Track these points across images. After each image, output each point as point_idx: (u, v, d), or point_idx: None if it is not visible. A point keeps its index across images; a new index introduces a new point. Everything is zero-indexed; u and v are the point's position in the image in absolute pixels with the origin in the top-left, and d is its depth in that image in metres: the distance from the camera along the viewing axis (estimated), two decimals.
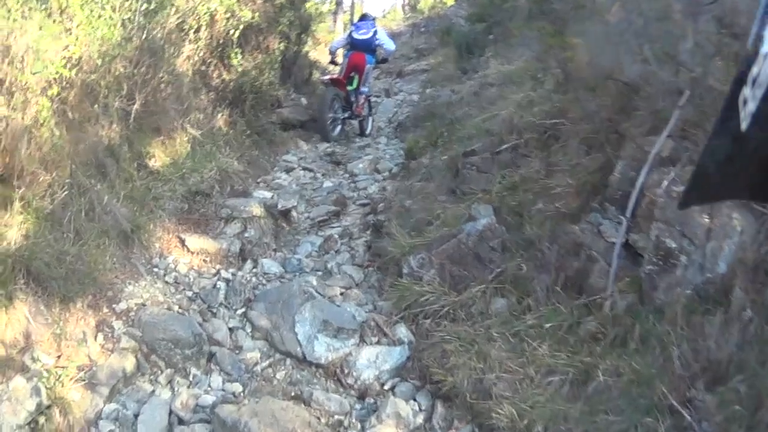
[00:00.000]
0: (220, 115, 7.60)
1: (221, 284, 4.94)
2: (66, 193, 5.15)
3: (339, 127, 9.00)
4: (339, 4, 13.77)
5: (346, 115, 9.11)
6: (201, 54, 7.44)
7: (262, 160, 7.53)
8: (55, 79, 5.42)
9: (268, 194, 6.48)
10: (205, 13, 6.84)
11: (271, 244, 5.63)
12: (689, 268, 3.20)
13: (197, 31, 7.15)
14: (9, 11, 4.08)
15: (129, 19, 5.75)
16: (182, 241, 5.38)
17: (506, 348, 3.59)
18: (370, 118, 9.80)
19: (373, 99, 10.03)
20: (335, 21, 13.83)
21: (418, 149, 6.97)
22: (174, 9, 6.25)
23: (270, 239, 5.65)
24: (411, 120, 9.30)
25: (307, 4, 9.42)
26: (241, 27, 7.56)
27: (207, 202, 5.97)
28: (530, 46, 7.25)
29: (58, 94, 5.50)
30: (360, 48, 8.99)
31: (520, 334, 3.63)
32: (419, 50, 14.79)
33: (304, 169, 7.64)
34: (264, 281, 5.08)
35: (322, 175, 7.58)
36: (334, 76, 8.69)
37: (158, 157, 6.44)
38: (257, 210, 5.68)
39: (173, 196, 5.82)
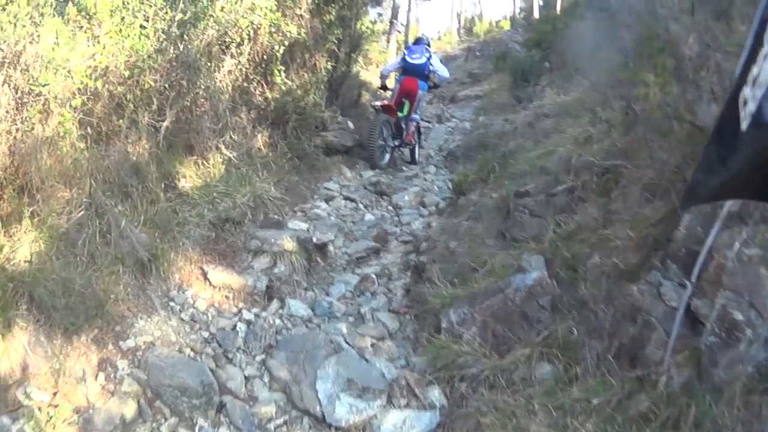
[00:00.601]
0: (259, 135, 7.27)
1: (241, 326, 4.50)
2: (82, 212, 4.84)
3: (388, 155, 8.71)
4: (392, 23, 13.33)
5: (396, 143, 8.90)
6: (243, 70, 7.11)
7: (302, 186, 7.11)
8: (79, 89, 5.13)
9: (303, 225, 6.04)
10: (247, 27, 6.46)
11: (301, 282, 5.17)
12: (754, 343, 2.94)
13: (239, 45, 6.79)
14: (16, 17, 3.68)
15: (162, 30, 5.39)
16: (204, 274, 4.99)
17: (547, 422, 3.18)
18: (417, 147, 9.48)
19: (423, 125, 9.90)
20: (388, 41, 13.36)
21: (467, 184, 6.49)
22: (212, 21, 5.85)
23: (301, 276, 5.19)
24: (462, 150, 9.10)
25: (359, 22, 8.99)
26: (287, 43, 7.19)
27: (237, 231, 5.57)
28: (589, 77, 6.88)
29: (83, 105, 5.21)
30: (413, 73, 8.73)
31: (565, 408, 3.24)
32: (473, 75, 14.54)
33: (346, 198, 7.22)
34: (289, 325, 4.63)
35: (365, 206, 7.13)
36: (385, 103, 8.46)
37: (189, 178, 6.11)
38: (289, 244, 5.24)
39: (200, 223, 5.44)
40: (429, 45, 9.36)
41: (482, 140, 8.34)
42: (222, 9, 6.06)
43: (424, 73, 8.73)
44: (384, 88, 9.64)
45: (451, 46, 20.53)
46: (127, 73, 5.18)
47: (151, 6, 5.49)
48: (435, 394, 3.77)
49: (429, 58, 8.76)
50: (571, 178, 4.98)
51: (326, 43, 7.92)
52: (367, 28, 9.26)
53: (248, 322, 4.56)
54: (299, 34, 7.28)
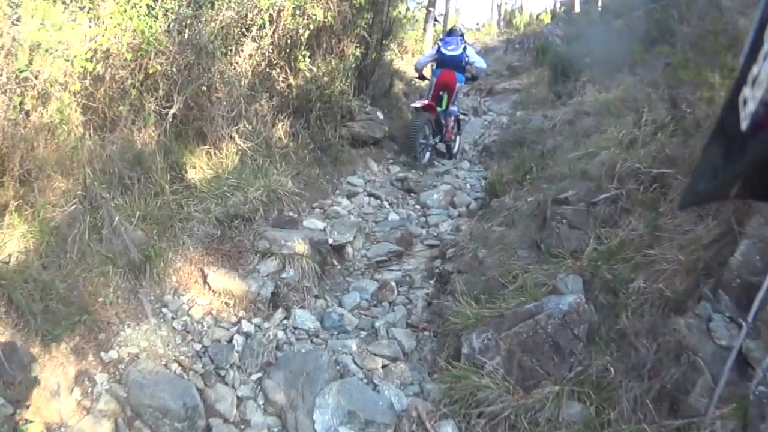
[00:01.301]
0: (280, 124, 6.85)
1: (239, 339, 4.11)
2: (75, 206, 4.48)
3: (428, 153, 8.39)
4: (429, 12, 12.66)
5: (437, 140, 8.62)
6: (266, 54, 6.69)
7: (323, 180, 6.68)
8: (80, 73, 4.79)
9: (320, 224, 5.62)
10: (267, 8, 6.02)
11: (312, 288, 4.74)
12: None
13: (261, 28, 6.36)
14: None
15: (171, 9, 4.98)
16: (204, 277, 4.54)
17: None
18: (458, 137, 9.26)
19: (460, 117, 9.42)
20: (425, 30, 12.76)
21: (501, 185, 6.01)
22: (229, 1, 5.43)
23: (312, 282, 4.77)
24: (498, 145, 8.66)
25: (392, 8, 8.47)
26: (312, 27, 6.73)
27: (246, 229, 5.17)
28: (636, 74, 6.89)
29: (84, 90, 4.87)
30: (449, 65, 8.44)
31: None
32: (512, 68, 14.16)
33: (370, 195, 6.75)
34: (293, 339, 4.22)
35: (390, 204, 6.66)
36: (425, 103, 8.08)
37: (199, 169, 5.74)
38: (300, 246, 4.81)
39: (205, 219, 5.05)
40: (463, 36, 8.97)
41: (519, 137, 7.88)
42: None
43: (460, 65, 8.45)
44: (422, 77, 9.29)
45: (490, 37, 20.09)
46: (129, 56, 4.79)
47: None
48: (448, 430, 3.30)
49: (465, 50, 8.48)
50: (615, 186, 4.46)
51: (355, 28, 7.43)
52: (400, 14, 8.73)
53: (247, 335, 4.14)
54: (326, 17, 6.82)
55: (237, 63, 6.46)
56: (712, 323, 2.97)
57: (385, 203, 6.63)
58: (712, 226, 3.38)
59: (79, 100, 4.83)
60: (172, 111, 5.22)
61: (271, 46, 7.00)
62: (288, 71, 7.19)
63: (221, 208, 5.25)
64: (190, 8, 5.18)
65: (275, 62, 7.09)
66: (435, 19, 14.13)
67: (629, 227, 4.05)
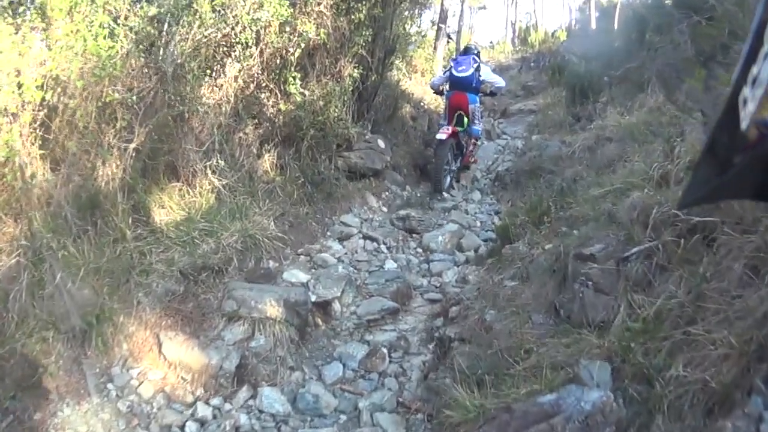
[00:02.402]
0: (267, 155, 6.31)
1: (192, 426, 3.55)
2: (16, 259, 4.04)
3: (448, 178, 8.21)
4: (440, 29, 12.18)
5: (457, 165, 8.48)
6: (254, 76, 6.20)
7: (312, 220, 6.13)
8: (29, 102, 4.34)
9: (303, 276, 5.06)
10: (250, 24, 5.53)
11: (286, 358, 4.18)
12: None
13: (246, 47, 5.88)
14: None
15: (135, 28, 4.50)
16: (160, 345, 3.99)
17: None
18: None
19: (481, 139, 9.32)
20: (435, 48, 12.36)
21: (514, 228, 5.38)
22: (196, 17, 4.93)
23: (287, 351, 4.21)
24: (512, 174, 8.29)
25: (397, 24, 7.96)
26: (303, 45, 6.23)
27: (214, 283, 4.65)
28: (657, 94, 6.89)
29: (32, 123, 4.41)
30: (460, 87, 8.26)
31: None
32: (527, 87, 14.02)
33: (366, 237, 6.19)
34: (257, 426, 3.61)
35: (388, 248, 6.09)
36: (448, 132, 7.78)
37: (168, 210, 5.26)
38: (273, 310, 4.26)
39: (167, 272, 4.54)
40: (478, 54, 8.89)
41: (535, 165, 7.54)
42: (212, 2, 5.12)
43: (471, 86, 8.26)
44: (439, 93, 9.10)
45: (504, 56, 19.96)
46: (80, 84, 4.30)
47: (122, 1, 4.62)
48: None
49: (477, 69, 8.31)
50: (649, 237, 3.86)
51: (353, 46, 6.91)
52: (404, 30, 8.22)
53: (202, 422, 3.58)
54: (318, 35, 6.32)
55: (219, 86, 5.99)
56: (763, 425, 2.40)
57: (383, 247, 6.04)
58: (766, 293, 2.79)
59: (38, 131, 4.39)
60: (132, 145, 4.70)
61: (260, 67, 6.53)
62: (278, 95, 6.70)
63: (188, 258, 4.74)
64: (153, 27, 4.68)
65: (264, 84, 6.61)
66: (448, 37, 13.89)
67: (667, 291, 3.46)
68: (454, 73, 8.27)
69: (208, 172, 5.34)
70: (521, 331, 3.90)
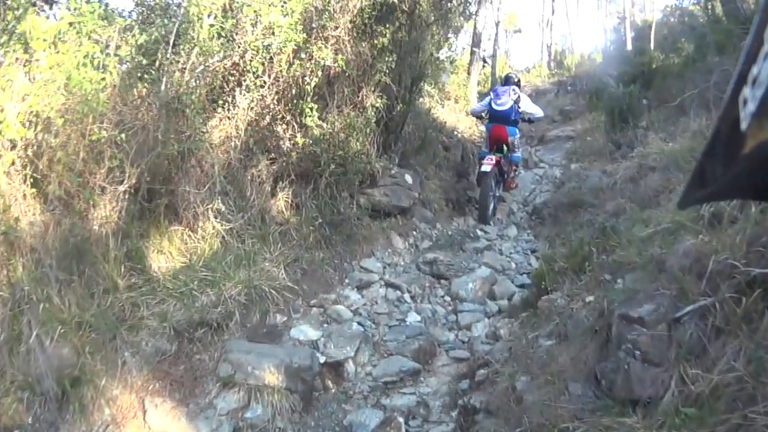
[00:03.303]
0: (281, 193, 5.96)
1: None
2: None
3: (492, 205, 8.32)
4: (474, 53, 12.02)
5: (500, 191, 8.72)
6: (266, 106, 5.93)
7: (329, 266, 5.73)
8: (12, 140, 4.13)
9: (313, 333, 4.68)
10: (260, 51, 5.25)
11: (287, 430, 3.72)
12: None
13: (258, 75, 5.61)
14: None
15: (120, 59, 4.24)
16: (145, 412, 3.65)
17: None
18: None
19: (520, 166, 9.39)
20: (469, 73, 12.13)
21: (552, 276, 4.93)
22: (197, 45, 4.65)
23: (287, 422, 3.78)
24: (550, 208, 7.97)
25: (428, 47, 7.61)
26: (319, 74, 5.92)
27: (212, 341, 4.32)
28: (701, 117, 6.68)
29: (12, 163, 4.19)
30: (500, 120, 8.43)
31: None
32: (564, 112, 13.93)
33: (388, 285, 5.76)
34: None
35: (412, 297, 5.66)
36: (492, 161, 8.00)
37: (169, 256, 4.93)
38: (272, 377, 3.87)
39: (159, 328, 4.19)
40: (518, 84, 9.13)
41: (575, 198, 7.25)
42: (211, 28, 4.83)
43: (511, 119, 8.43)
44: (480, 118, 9.36)
45: (541, 79, 19.86)
46: (61, 121, 4.03)
47: (111, 29, 4.37)
48: None
49: (516, 101, 8.49)
50: (704, 293, 3.38)
51: (375, 73, 6.59)
52: (433, 54, 7.86)
53: None
54: (336, 62, 6.01)
55: (230, 118, 5.72)
56: None
57: (406, 296, 5.60)
58: None
59: (27, 170, 4.17)
60: (122, 187, 4.41)
61: (275, 97, 6.25)
62: (295, 127, 6.39)
63: (184, 311, 4.42)
64: (145, 56, 4.41)
65: (281, 116, 6.32)
66: (484, 61, 13.96)
67: (725, 360, 2.99)
68: (494, 106, 8.40)
69: (210, 216, 5.01)
70: (556, 405, 3.46)
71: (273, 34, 5.55)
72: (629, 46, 16.96)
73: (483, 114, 8.91)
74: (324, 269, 5.62)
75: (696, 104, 7.35)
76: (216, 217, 5.07)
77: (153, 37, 4.52)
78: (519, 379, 3.84)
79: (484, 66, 13.78)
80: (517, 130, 8.56)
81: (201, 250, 5.06)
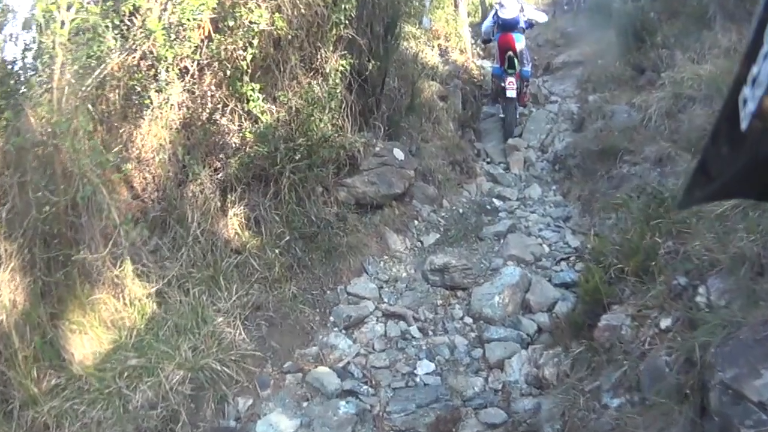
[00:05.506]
0: (233, 208, 4.97)
1: None
2: None
3: (516, 122, 8.97)
4: None
5: (519, 109, 9.14)
6: (201, 97, 4.92)
7: (304, 305, 4.71)
8: None
9: (288, 425, 3.69)
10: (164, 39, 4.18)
11: None
12: None
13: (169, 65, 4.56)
14: None
15: None
16: None
17: None
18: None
19: (519, 110, 9.32)
20: (457, 5, 11.50)
21: (603, 284, 3.95)
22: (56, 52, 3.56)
23: None
24: (576, 156, 7.35)
25: None
26: (256, 43, 4.86)
27: None
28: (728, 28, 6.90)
29: None
30: (507, 28, 8.96)
31: None
32: (566, 35, 13.43)
33: (387, 315, 4.73)
34: None
35: (421, 329, 4.64)
36: (514, 86, 8.50)
37: (94, 335, 4.07)
38: None
39: None
40: None
41: (605, 143, 6.72)
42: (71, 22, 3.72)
43: (518, 26, 8.99)
44: (487, 41, 9.88)
45: (534, 0, 18.80)
46: None
47: None
48: None
49: (521, 10, 9.07)
50: None
51: (332, 27, 5.43)
52: None
53: None
54: (272, 23, 4.91)
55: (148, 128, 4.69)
56: None
57: (413, 328, 4.55)
58: None
59: None
60: (2, 273, 3.42)
61: (213, 81, 5.21)
62: (243, 116, 5.34)
63: (115, 420, 3.53)
64: None
65: (221, 104, 5.27)
66: None
67: None
68: (502, 15, 8.92)
69: (128, 278, 4.01)
70: None
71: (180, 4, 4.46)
72: None
73: (492, 34, 9.30)
74: (298, 311, 4.60)
75: (720, 15, 7.28)
76: (139, 276, 4.07)
77: None
78: None
79: None
80: (523, 37, 9.09)
81: (131, 321, 4.12)
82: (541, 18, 9.57)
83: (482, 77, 10.28)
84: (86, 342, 4.05)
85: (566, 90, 10.43)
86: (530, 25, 9.49)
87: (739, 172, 0.88)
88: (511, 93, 8.39)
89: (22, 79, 3.84)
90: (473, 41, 11.22)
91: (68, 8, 3.63)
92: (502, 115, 8.74)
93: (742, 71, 0.85)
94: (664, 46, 8.18)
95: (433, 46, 9.72)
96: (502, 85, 8.53)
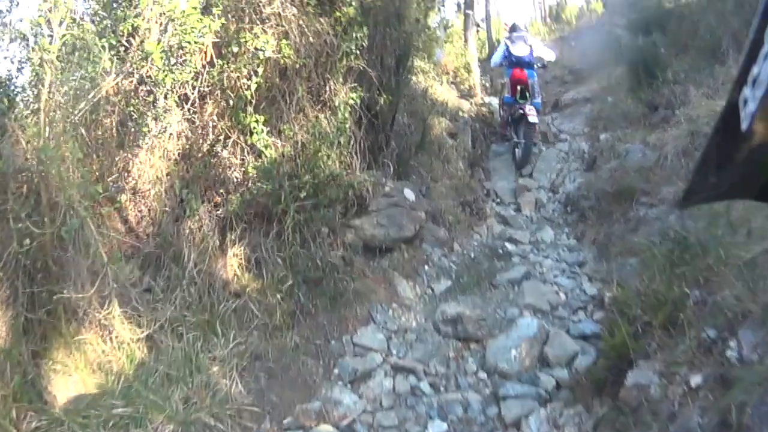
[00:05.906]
0: (233, 248, 4.72)
1: None
2: None
3: (520, 152, 8.85)
4: (467, 16, 11.80)
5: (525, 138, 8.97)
6: (202, 127, 4.73)
7: (307, 356, 4.43)
8: None
9: None
10: (162, 62, 3.97)
11: None
12: None
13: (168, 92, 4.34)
14: None
15: None
16: None
17: None
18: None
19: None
20: (466, 40, 11.63)
21: (630, 336, 3.73)
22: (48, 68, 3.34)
23: None
24: (589, 198, 7.14)
25: (412, 14, 6.23)
26: (260, 71, 4.67)
27: None
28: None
29: None
30: (520, 65, 9.19)
31: None
32: (575, 71, 13.63)
33: (396, 369, 4.45)
34: None
35: (432, 384, 4.36)
36: (534, 113, 8.43)
37: (80, 377, 3.82)
38: None
39: None
40: (527, 31, 10.03)
41: (621, 184, 6.53)
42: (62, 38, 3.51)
43: (530, 64, 9.26)
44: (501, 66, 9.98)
45: (540, 37, 19.20)
46: None
47: None
48: None
49: (531, 48, 9.42)
50: None
51: (342, 57, 5.24)
52: (419, 21, 6.47)
53: None
54: (279, 50, 4.72)
55: (146, 158, 4.47)
56: None
57: (424, 383, 4.26)
58: None
59: None
60: None
61: (215, 111, 5.01)
62: (245, 149, 5.12)
63: None
64: None
65: (223, 136, 5.07)
66: (477, 25, 14.03)
67: None
68: (514, 53, 9.26)
69: (115, 321, 3.75)
70: None
71: (182, 26, 4.27)
72: None
73: (503, 63, 9.54)
74: (300, 362, 4.31)
75: (733, 49, 7.30)
76: (128, 319, 3.81)
77: None
78: None
79: (477, 30, 13.57)
80: (534, 74, 9.31)
81: (119, 365, 3.85)
82: (550, 56, 9.75)
83: (491, 114, 10.17)
84: (70, 384, 3.84)
85: (576, 128, 10.34)
86: (544, 66, 9.83)
87: (739, 173, 0.95)
88: (533, 119, 8.33)
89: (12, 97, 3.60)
90: (482, 77, 11.24)
91: (60, 23, 3.41)
92: (516, 140, 8.71)
93: (743, 71, 0.91)
94: (675, 82, 8.11)
95: (442, 82, 9.68)
96: (521, 111, 8.45)
